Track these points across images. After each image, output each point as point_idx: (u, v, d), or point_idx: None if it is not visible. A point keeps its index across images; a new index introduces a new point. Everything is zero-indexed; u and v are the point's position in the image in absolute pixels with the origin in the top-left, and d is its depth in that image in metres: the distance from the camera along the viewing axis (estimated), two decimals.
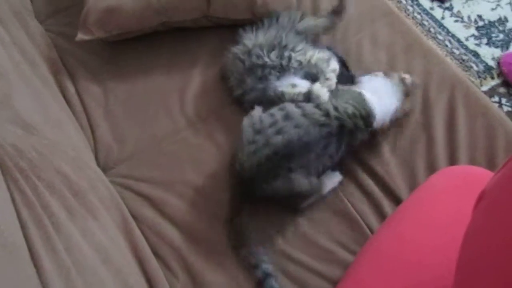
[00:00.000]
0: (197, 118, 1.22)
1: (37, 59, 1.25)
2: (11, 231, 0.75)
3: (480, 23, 1.86)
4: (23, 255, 0.74)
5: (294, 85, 1.12)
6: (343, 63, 1.22)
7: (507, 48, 1.79)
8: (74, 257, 0.81)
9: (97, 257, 0.87)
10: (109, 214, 1.00)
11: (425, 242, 0.86)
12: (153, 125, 1.22)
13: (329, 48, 1.23)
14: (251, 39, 1.20)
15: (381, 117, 1.08)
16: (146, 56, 1.33)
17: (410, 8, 1.91)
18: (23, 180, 0.85)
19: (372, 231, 1.05)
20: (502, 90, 1.70)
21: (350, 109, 1.05)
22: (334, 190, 1.09)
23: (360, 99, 1.07)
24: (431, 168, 1.10)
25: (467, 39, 1.83)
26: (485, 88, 1.71)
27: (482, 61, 1.77)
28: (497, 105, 1.66)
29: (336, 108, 1.04)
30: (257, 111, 1.09)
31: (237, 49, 1.20)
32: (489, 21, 1.86)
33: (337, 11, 1.26)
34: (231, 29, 1.28)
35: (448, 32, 1.85)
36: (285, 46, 1.16)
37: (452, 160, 1.11)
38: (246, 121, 1.06)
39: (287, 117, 1.03)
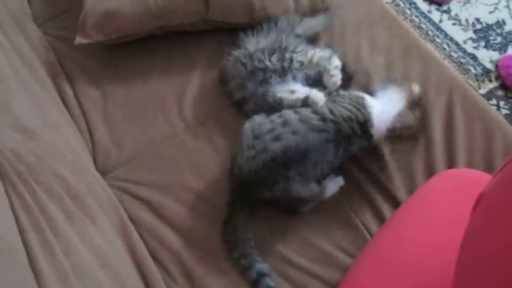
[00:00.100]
0: (195, 122, 1.22)
1: (35, 63, 1.25)
2: (9, 236, 0.75)
3: (478, 26, 1.87)
4: (21, 259, 0.74)
5: (292, 91, 1.12)
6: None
7: (505, 51, 1.80)
8: (73, 261, 0.81)
9: (95, 261, 0.86)
10: (108, 218, 1.00)
11: (424, 244, 0.86)
12: (152, 129, 1.22)
13: (329, 47, 1.23)
14: (253, 43, 1.20)
15: (381, 125, 1.06)
16: (144, 59, 1.33)
17: (408, 11, 1.92)
18: (21, 184, 0.85)
19: (371, 234, 1.05)
20: (500, 93, 1.71)
21: (345, 113, 1.04)
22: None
23: (360, 104, 1.07)
24: (430, 171, 1.10)
25: (465, 42, 1.83)
26: (483, 91, 1.71)
27: (480, 64, 1.78)
28: (495, 108, 1.66)
29: (331, 111, 1.04)
30: (259, 117, 1.09)
31: (238, 53, 1.20)
32: (487, 24, 1.87)
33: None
34: (229, 33, 1.28)
35: (446, 35, 1.85)
36: (285, 48, 1.16)
37: (451, 163, 1.11)
38: (247, 125, 1.06)
39: (285, 123, 1.03)
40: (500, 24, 1.87)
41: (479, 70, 1.76)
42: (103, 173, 1.16)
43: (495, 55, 1.79)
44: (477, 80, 1.74)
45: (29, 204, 0.82)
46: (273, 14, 1.27)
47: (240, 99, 1.19)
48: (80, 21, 1.27)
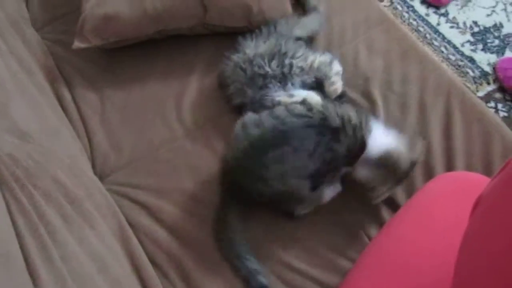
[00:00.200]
0: (194, 126, 1.22)
1: (33, 67, 1.25)
2: (7, 241, 0.75)
3: (476, 29, 1.87)
4: (19, 264, 0.73)
5: (291, 95, 1.12)
6: None
7: (503, 53, 1.80)
8: (70, 266, 0.81)
9: (93, 265, 0.86)
10: (106, 222, 1.00)
11: (423, 246, 0.86)
12: (150, 133, 1.22)
13: (328, 51, 1.23)
14: (251, 47, 1.20)
15: (379, 142, 1.02)
16: (142, 63, 1.33)
17: (406, 15, 1.92)
18: (19, 189, 0.84)
19: (370, 238, 1.05)
20: (498, 95, 1.71)
21: (341, 111, 1.01)
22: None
23: (363, 114, 1.04)
24: (428, 174, 1.10)
25: (462, 45, 1.84)
26: (481, 93, 1.71)
27: (478, 67, 1.78)
28: (493, 110, 1.67)
29: (324, 106, 1.02)
30: (254, 114, 1.08)
31: (237, 58, 1.20)
32: (485, 27, 1.87)
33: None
34: (227, 36, 1.28)
35: (443, 38, 1.86)
36: (285, 54, 1.16)
37: (449, 166, 1.11)
38: (240, 120, 1.06)
39: (270, 113, 1.03)
40: (498, 27, 1.87)
41: (477, 73, 1.76)
42: (101, 178, 1.16)
43: (493, 57, 1.79)
44: (475, 82, 1.74)
45: (26, 209, 0.82)
46: (270, 18, 1.27)
47: (239, 103, 1.19)
48: (78, 25, 1.27)
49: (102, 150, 1.20)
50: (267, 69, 1.14)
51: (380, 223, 1.06)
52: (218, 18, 1.29)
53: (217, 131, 1.20)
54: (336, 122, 0.99)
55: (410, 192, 1.07)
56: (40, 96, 1.18)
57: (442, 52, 1.82)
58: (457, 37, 1.86)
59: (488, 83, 1.74)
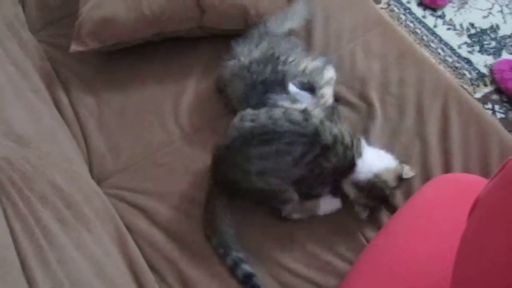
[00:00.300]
0: (191, 129, 1.22)
1: (30, 70, 1.24)
2: (3, 245, 0.74)
3: (472, 31, 1.88)
4: (15, 268, 0.73)
5: (295, 100, 1.12)
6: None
7: (499, 55, 1.81)
8: (67, 270, 0.80)
9: (90, 269, 0.86)
10: (103, 226, 1.00)
11: (421, 249, 0.86)
12: (148, 136, 1.22)
13: (324, 55, 1.23)
14: (245, 54, 1.19)
15: (368, 165, 1.04)
16: (140, 66, 1.33)
17: (403, 17, 1.93)
18: (15, 193, 0.84)
19: (367, 240, 1.04)
20: (495, 97, 1.71)
21: (335, 130, 1.03)
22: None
23: (355, 138, 1.06)
24: (426, 176, 1.10)
25: (459, 47, 1.84)
26: (478, 95, 1.72)
27: (475, 69, 1.78)
28: (490, 112, 1.67)
29: (321, 121, 1.03)
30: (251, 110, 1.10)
31: (233, 65, 1.19)
32: (481, 29, 1.88)
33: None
34: (225, 39, 1.28)
35: (440, 40, 1.86)
36: (278, 58, 1.16)
37: (447, 167, 1.11)
38: (239, 113, 1.08)
39: (268, 111, 1.04)
40: (494, 28, 1.88)
41: (474, 74, 1.77)
42: (98, 181, 1.16)
43: (490, 59, 1.80)
44: (472, 84, 1.75)
45: (23, 213, 0.81)
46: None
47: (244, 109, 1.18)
48: (75, 29, 1.27)
49: (100, 154, 1.20)
50: (266, 75, 1.14)
51: (378, 225, 1.06)
52: (215, 20, 1.29)
53: (215, 134, 1.19)
54: (327, 139, 1.01)
55: (408, 194, 1.07)
56: (36, 99, 1.18)
57: (439, 54, 1.83)
58: (454, 39, 1.86)
59: (485, 85, 1.74)
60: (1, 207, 0.80)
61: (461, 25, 1.89)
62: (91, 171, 1.18)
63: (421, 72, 1.25)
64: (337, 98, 1.22)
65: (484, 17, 1.91)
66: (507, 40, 1.85)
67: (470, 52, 1.82)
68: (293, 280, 1.00)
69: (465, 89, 1.70)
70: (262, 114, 1.04)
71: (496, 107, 1.69)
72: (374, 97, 1.22)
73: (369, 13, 1.40)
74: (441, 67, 1.71)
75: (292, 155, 1.00)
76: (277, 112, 1.03)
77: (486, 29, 1.88)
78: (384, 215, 1.07)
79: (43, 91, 1.24)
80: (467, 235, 0.61)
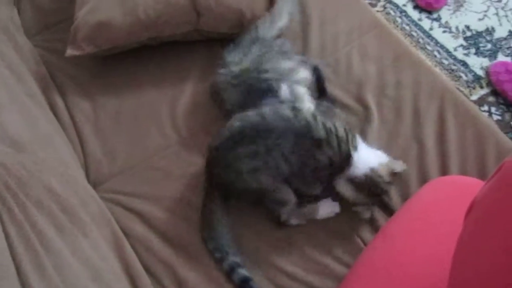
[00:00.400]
0: (187, 133, 1.22)
1: (25, 75, 1.24)
2: None
3: (468, 34, 1.88)
4: (11, 274, 0.72)
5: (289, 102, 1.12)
6: (320, 82, 1.22)
7: (495, 57, 1.81)
8: (63, 275, 0.80)
9: (87, 274, 0.85)
10: (100, 231, 0.99)
11: (418, 252, 0.86)
12: (144, 140, 1.21)
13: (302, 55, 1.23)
14: (235, 63, 1.19)
15: (365, 158, 1.03)
16: (136, 70, 1.33)
17: (399, 20, 1.93)
18: (11, 198, 0.84)
19: (365, 243, 1.04)
20: (491, 99, 1.71)
21: (329, 124, 1.03)
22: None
23: (350, 132, 1.05)
24: (423, 178, 1.10)
25: (455, 49, 1.84)
26: (474, 97, 1.72)
27: (471, 71, 1.79)
28: (486, 114, 1.67)
29: (314, 116, 1.03)
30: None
31: (226, 75, 1.18)
32: (477, 31, 1.88)
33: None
34: (221, 42, 1.28)
35: (436, 42, 1.86)
36: (263, 67, 1.16)
37: (444, 169, 1.11)
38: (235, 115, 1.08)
39: (257, 110, 1.05)
40: (490, 31, 1.88)
41: (470, 76, 1.77)
42: (95, 185, 1.15)
43: (486, 61, 1.80)
44: (468, 86, 1.75)
45: (18, 218, 0.81)
46: None
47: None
48: (71, 33, 1.27)
49: (96, 158, 1.20)
50: (257, 83, 1.15)
51: (376, 228, 1.05)
52: (212, 24, 1.29)
53: (211, 138, 1.19)
54: (320, 133, 1.01)
55: (405, 197, 1.07)
56: (32, 104, 1.17)
57: (435, 56, 1.83)
58: (450, 42, 1.86)
59: (481, 87, 1.75)
60: None
61: (457, 27, 1.90)
62: (87, 175, 1.17)
63: (417, 75, 1.25)
64: (333, 100, 1.22)
65: (480, 19, 1.92)
66: (503, 43, 1.85)
67: (466, 54, 1.83)
68: (291, 283, 1.00)
69: (461, 91, 1.70)
70: (251, 113, 1.05)
71: (492, 109, 1.69)
72: (371, 100, 1.22)
73: (365, 16, 1.40)
74: (437, 69, 1.72)
75: (281, 150, 1.00)
76: (266, 110, 1.04)
77: (481, 32, 1.88)
78: (381, 218, 1.07)
79: (38, 95, 1.24)
80: (464, 237, 0.61)
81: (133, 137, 1.22)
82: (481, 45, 1.85)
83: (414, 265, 0.84)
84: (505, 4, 1.95)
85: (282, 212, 1.05)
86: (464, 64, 1.80)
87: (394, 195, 1.09)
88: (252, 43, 1.22)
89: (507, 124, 1.65)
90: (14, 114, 1.07)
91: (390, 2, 1.97)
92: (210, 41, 1.34)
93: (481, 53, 1.83)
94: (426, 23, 1.92)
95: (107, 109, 1.27)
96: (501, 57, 1.81)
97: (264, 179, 1.02)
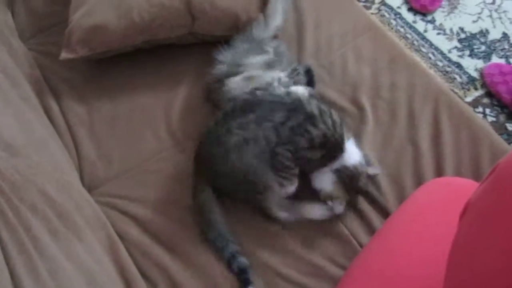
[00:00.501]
0: (182, 136, 1.22)
1: (19, 78, 1.23)
2: None
3: (462, 35, 1.89)
4: (4, 279, 0.72)
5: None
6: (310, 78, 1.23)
7: (489, 59, 1.82)
8: (58, 279, 0.79)
9: (82, 279, 0.85)
10: (95, 235, 0.99)
11: (414, 254, 0.86)
12: (139, 144, 1.21)
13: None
14: (227, 62, 1.20)
15: (349, 155, 1.06)
16: (130, 74, 1.32)
17: (393, 22, 1.94)
18: (4, 203, 0.83)
19: (361, 245, 1.04)
20: (485, 100, 1.72)
21: (322, 106, 1.03)
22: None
23: (343, 121, 1.07)
24: (419, 180, 1.10)
25: (450, 51, 1.85)
26: (469, 99, 1.73)
27: (465, 73, 1.79)
28: (481, 115, 1.68)
29: (306, 98, 1.04)
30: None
31: (216, 74, 1.19)
32: (471, 33, 1.89)
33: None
34: (216, 45, 1.28)
35: (431, 44, 1.87)
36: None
37: (439, 171, 1.11)
38: None
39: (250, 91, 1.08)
40: (484, 33, 1.89)
41: (465, 78, 1.78)
42: (90, 189, 1.15)
43: (480, 63, 1.81)
44: (463, 88, 1.76)
45: (12, 223, 0.80)
46: None
47: None
48: (65, 36, 1.27)
49: (91, 162, 1.19)
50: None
51: (372, 230, 1.05)
52: (206, 27, 1.29)
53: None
54: (312, 109, 1.02)
55: (401, 199, 1.07)
56: (26, 107, 1.17)
57: (430, 58, 1.84)
58: (444, 44, 1.87)
59: (476, 89, 1.75)
60: None
61: (451, 29, 1.91)
62: (82, 179, 1.17)
63: (412, 77, 1.26)
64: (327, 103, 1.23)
65: (474, 21, 1.93)
66: (497, 44, 1.86)
67: (460, 56, 1.84)
68: (286, 286, 1.00)
69: (456, 93, 1.71)
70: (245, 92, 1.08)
71: (487, 110, 1.70)
72: (366, 102, 1.22)
73: (360, 18, 1.41)
74: (431, 71, 1.72)
75: (272, 121, 1.00)
76: (260, 91, 1.06)
77: (476, 34, 1.89)
78: (377, 220, 1.07)
79: (33, 99, 1.23)
80: (459, 238, 0.61)
81: (128, 140, 1.22)
82: (475, 47, 1.86)
83: (409, 267, 0.84)
84: (499, 6, 1.96)
85: (267, 201, 1.04)
86: (459, 66, 1.81)
87: (389, 197, 1.09)
88: (244, 42, 1.22)
89: (502, 125, 1.66)
90: (8, 117, 1.06)
91: (385, 4, 1.98)
92: (205, 44, 1.33)
93: (475, 55, 1.84)
94: (420, 25, 1.93)
95: (102, 112, 1.26)
96: (495, 59, 1.82)
97: (248, 156, 1.00)
